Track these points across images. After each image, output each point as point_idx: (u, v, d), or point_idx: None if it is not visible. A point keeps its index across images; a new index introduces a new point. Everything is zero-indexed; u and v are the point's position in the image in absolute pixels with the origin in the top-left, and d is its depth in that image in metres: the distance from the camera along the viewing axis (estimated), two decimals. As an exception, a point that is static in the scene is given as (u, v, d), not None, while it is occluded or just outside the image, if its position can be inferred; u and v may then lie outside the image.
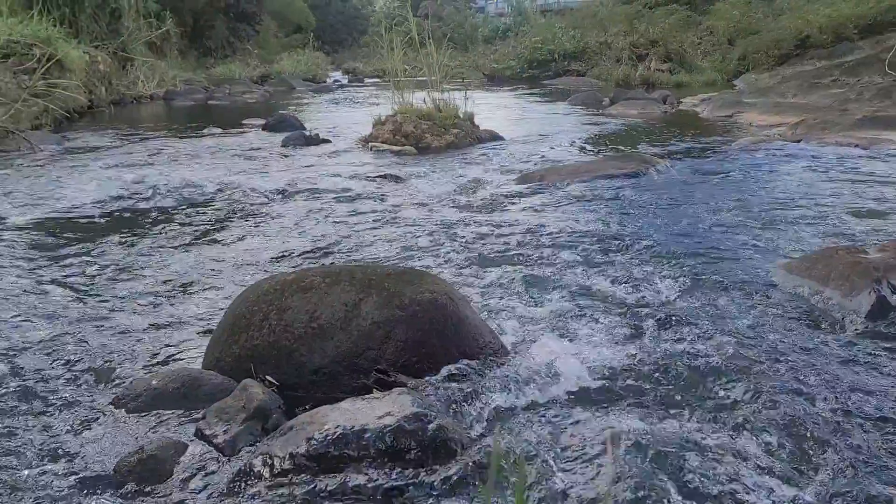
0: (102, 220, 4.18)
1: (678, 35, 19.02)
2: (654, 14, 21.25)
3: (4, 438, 1.76)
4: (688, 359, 2.13)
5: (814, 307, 2.61)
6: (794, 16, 16.79)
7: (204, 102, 13.96)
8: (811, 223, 3.79)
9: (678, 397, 1.93)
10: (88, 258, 3.37)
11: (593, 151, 6.85)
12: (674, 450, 1.62)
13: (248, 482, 1.55)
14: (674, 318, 2.46)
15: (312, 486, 1.52)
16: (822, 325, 2.45)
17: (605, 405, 1.89)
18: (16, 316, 2.57)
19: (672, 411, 1.85)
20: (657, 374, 2.05)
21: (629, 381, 2.01)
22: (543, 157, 6.43)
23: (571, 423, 1.77)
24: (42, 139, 7.12)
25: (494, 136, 7.56)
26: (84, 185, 5.11)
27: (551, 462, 1.59)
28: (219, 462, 1.65)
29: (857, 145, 6.48)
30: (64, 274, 3.12)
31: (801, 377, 2.04)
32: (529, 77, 20.77)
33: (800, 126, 7.56)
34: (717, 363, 2.10)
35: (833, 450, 1.66)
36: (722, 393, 1.94)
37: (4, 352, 2.25)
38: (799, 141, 6.94)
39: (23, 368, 2.14)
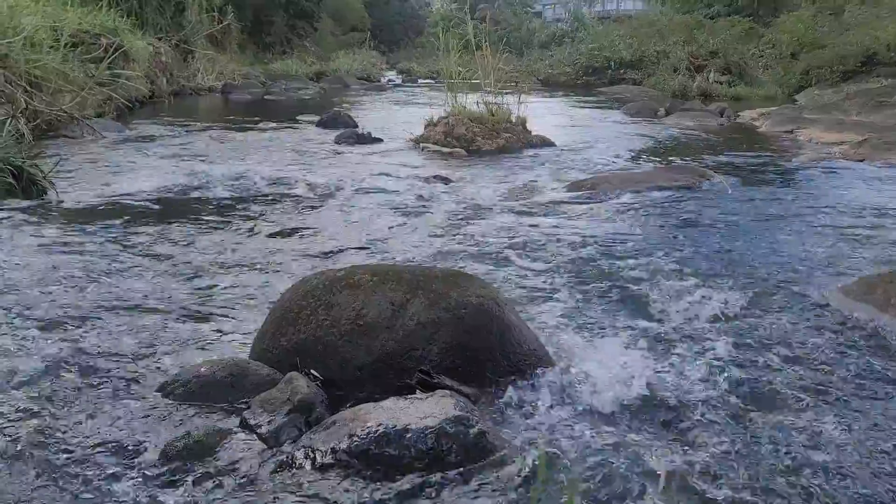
0: (158, 208, 4.29)
1: (739, 47, 18.63)
2: (715, 25, 20.86)
3: (54, 419, 1.81)
4: (737, 381, 2.08)
5: (871, 334, 2.52)
6: (861, 32, 16.27)
7: (260, 97, 14.23)
8: (870, 246, 3.66)
9: (727, 419, 1.88)
10: (141, 245, 3.46)
11: (646, 162, 6.76)
12: (723, 474, 1.59)
13: (290, 473, 1.57)
14: (723, 338, 2.40)
15: (352, 481, 1.53)
16: (879, 353, 2.36)
17: (653, 422, 1.85)
18: (69, 298, 2.65)
19: (720, 434, 1.80)
20: (705, 393, 2.01)
21: (676, 400, 1.97)
22: (595, 165, 6.37)
23: (619, 438, 1.75)
24: (105, 126, 7.35)
25: (546, 142, 7.51)
26: (143, 172, 5.26)
27: (598, 477, 1.57)
28: (262, 452, 1.68)
29: (923, 168, 6.25)
30: (116, 259, 3.21)
31: (854, 406, 1.97)
32: (584, 84, 20.59)
33: (863, 145, 7.32)
34: (768, 387, 2.05)
35: (883, 482, 1.60)
36: (771, 418, 1.89)
37: (56, 333, 2.33)
38: (862, 160, 6.72)
39: (74, 351, 2.20)
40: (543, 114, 10.40)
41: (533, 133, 7.57)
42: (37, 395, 1.91)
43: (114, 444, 1.71)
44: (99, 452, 1.67)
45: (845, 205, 4.66)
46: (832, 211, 4.48)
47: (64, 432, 1.74)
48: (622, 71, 20.63)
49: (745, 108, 12.70)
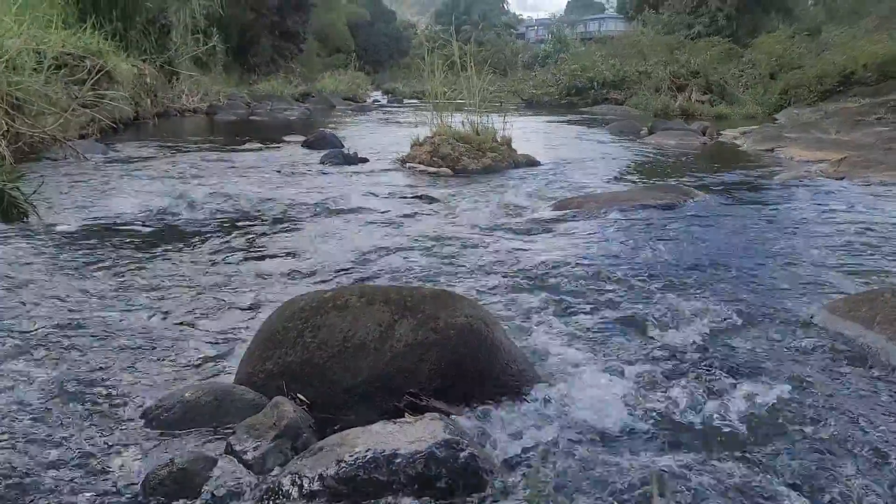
0: (142, 230, 4.25)
1: (719, 67, 18.93)
2: (696, 45, 21.20)
3: (34, 447, 1.77)
4: (725, 401, 2.08)
5: (857, 351, 2.52)
6: (839, 52, 16.59)
7: (245, 118, 14.22)
8: (854, 263, 3.69)
9: (715, 440, 1.87)
10: (126, 267, 3.42)
11: (630, 181, 6.80)
12: (716, 493, 1.57)
13: (276, 501, 1.53)
14: (710, 357, 2.40)
15: (340, 509, 1.50)
16: (866, 370, 2.37)
17: (643, 442, 1.84)
18: (52, 321, 2.61)
19: (709, 454, 1.79)
20: (693, 413, 2.00)
21: (664, 419, 1.96)
22: (580, 184, 6.40)
23: (608, 460, 1.73)
24: (88, 148, 7.30)
25: (531, 161, 7.55)
26: (126, 194, 5.22)
27: (590, 498, 1.55)
28: (248, 479, 1.64)
29: (903, 185, 6.34)
30: (101, 282, 3.16)
31: (842, 422, 1.96)
32: (567, 104, 20.82)
33: (842, 163, 7.42)
34: (756, 405, 2.04)
35: (872, 495, 1.60)
36: (760, 436, 1.88)
37: (37, 359, 2.28)
38: (841, 178, 6.81)
39: (55, 376, 2.16)
40: (528, 133, 10.48)
41: (518, 152, 7.61)
42: (15, 421, 1.87)
43: (95, 471, 1.67)
44: (79, 480, 1.63)
45: (827, 222, 4.71)
46: (815, 229, 4.52)
47: (43, 459, 1.70)
48: (605, 91, 20.89)
49: (726, 126, 12.86)
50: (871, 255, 3.86)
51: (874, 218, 4.86)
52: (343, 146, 8.41)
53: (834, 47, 17.68)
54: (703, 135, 11.17)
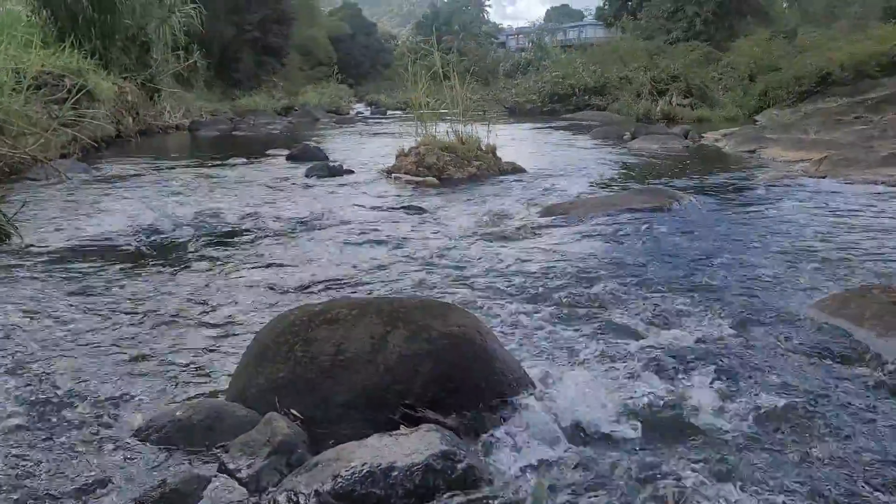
0: (127, 249, 4.21)
1: (699, 70, 19.13)
2: (675, 50, 21.43)
3: (24, 469, 1.74)
4: (719, 401, 2.08)
5: (847, 347, 2.54)
6: (816, 53, 16.81)
7: (229, 133, 14.17)
8: (841, 261, 3.72)
9: (713, 440, 1.87)
10: (113, 286, 3.38)
11: (616, 185, 6.83)
12: (710, 493, 1.57)
13: (273, 519, 1.51)
14: (702, 357, 2.41)
15: (338, 524, 1.48)
16: (857, 366, 2.38)
17: (637, 446, 1.83)
18: (39, 343, 2.57)
19: (705, 453, 1.79)
20: (688, 414, 2.00)
21: (661, 423, 1.96)
22: (566, 190, 6.41)
23: (606, 465, 1.72)
24: (70, 168, 7.22)
25: (516, 169, 7.57)
26: (110, 213, 5.16)
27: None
28: (243, 497, 1.62)
29: (883, 182, 6.42)
30: (88, 302, 3.12)
31: (833, 419, 1.97)
32: (550, 111, 20.95)
33: (824, 162, 7.50)
34: (749, 404, 2.05)
35: (866, 494, 1.60)
36: (754, 436, 1.88)
37: (26, 380, 2.24)
38: (823, 177, 6.88)
39: (45, 397, 2.12)
40: (512, 141, 10.51)
41: (503, 160, 7.62)
42: (5, 442, 1.83)
43: (86, 493, 1.64)
44: (70, 502, 1.60)
45: (812, 222, 4.75)
46: (800, 228, 4.56)
47: (33, 482, 1.67)
48: (587, 97, 21.03)
49: (707, 129, 12.97)
50: (857, 252, 3.89)
51: (858, 216, 4.91)
52: (328, 158, 8.38)
53: (811, 49, 17.92)
54: (686, 138, 11.27)
